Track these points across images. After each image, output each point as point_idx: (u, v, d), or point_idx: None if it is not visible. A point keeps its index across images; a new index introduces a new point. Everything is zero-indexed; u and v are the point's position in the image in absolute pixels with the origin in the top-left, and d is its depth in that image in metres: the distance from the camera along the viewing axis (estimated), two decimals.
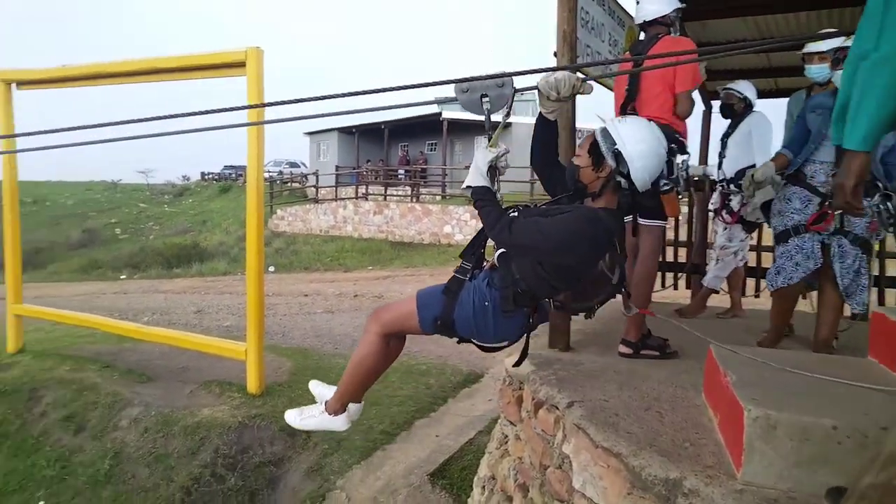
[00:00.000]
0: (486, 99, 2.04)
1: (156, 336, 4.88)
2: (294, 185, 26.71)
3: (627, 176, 1.94)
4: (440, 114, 20.60)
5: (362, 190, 19.06)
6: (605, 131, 1.98)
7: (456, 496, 3.34)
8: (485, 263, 2.10)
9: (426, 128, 23.02)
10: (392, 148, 26.44)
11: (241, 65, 4.12)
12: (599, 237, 1.90)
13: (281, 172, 30.86)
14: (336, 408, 2.37)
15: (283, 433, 3.96)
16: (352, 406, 2.41)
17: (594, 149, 2.00)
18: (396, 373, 4.97)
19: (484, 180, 2.03)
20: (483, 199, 2.00)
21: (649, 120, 2.13)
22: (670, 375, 2.32)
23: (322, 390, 2.44)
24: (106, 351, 5.51)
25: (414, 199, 17.42)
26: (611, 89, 2.99)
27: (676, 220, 3.09)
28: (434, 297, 2.10)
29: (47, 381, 4.65)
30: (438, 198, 17.57)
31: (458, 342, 2.15)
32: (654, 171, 1.99)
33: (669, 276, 4.74)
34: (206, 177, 37.04)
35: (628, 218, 2.59)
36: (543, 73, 2.00)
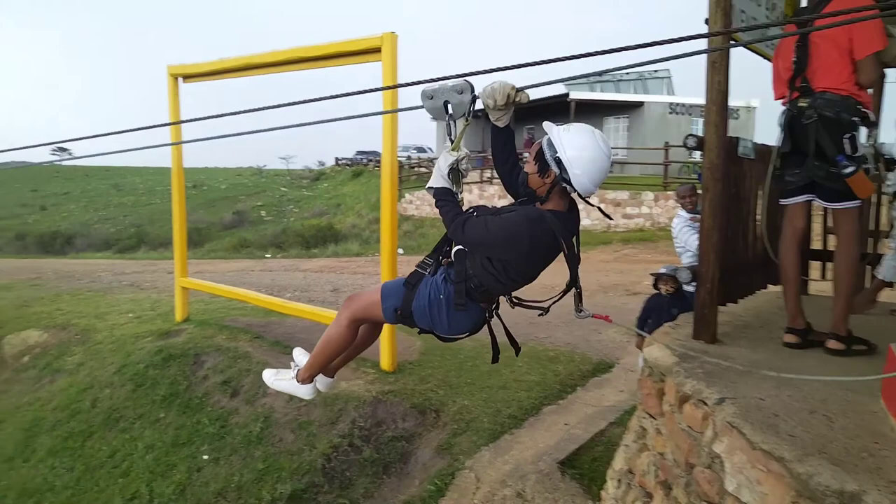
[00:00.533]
0: (450, 104, 2.12)
1: (298, 311, 5.23)
2: (421, 169, 27.38)
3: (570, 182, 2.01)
4: (567, 94, 20.07)
5: (487, 174, 19.09)
6: (549, 140, 2.05)
7: (586, 487, 3.27)
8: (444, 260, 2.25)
9: (552, 109, 22.49)
10: (518, 131, 26.23)
11: (377, 50, 4.25)
12: (540, 237, 2.00)
13: (409, 157, 31.76)
14: (304, 377, 2.54)
15: (415, 410, 4.10)
16: (323, 378, 2.60)
17: (539, 156, 2.08)
18: (524, 357, 4.95)
19: (445, 182, 2.20)
20: (443, 199, 2.16)
21: (823, 92, 1.95)
22: (837, 376, 2.09)
23: (302, 359, 2.59)
24: (256, 323, 6.01)
25: None
26: (769, 59, 2.71)
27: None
28: (396, 289, 2.25)
29: (208, 348, 5.16)
30: None
31: (419, 333, 2.28)
32: (597, 177, 2.03)
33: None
34: (340, 162, 39.03)
35: (799, 198, 2.47)
36: (494, 81, 2.07)
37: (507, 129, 2.25)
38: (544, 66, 1.96)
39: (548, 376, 4.67)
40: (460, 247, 2.16)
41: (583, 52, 1.72)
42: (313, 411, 4.21)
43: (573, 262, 2.06)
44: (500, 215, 2.09)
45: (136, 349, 5.48)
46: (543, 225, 2.02)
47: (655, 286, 3.91)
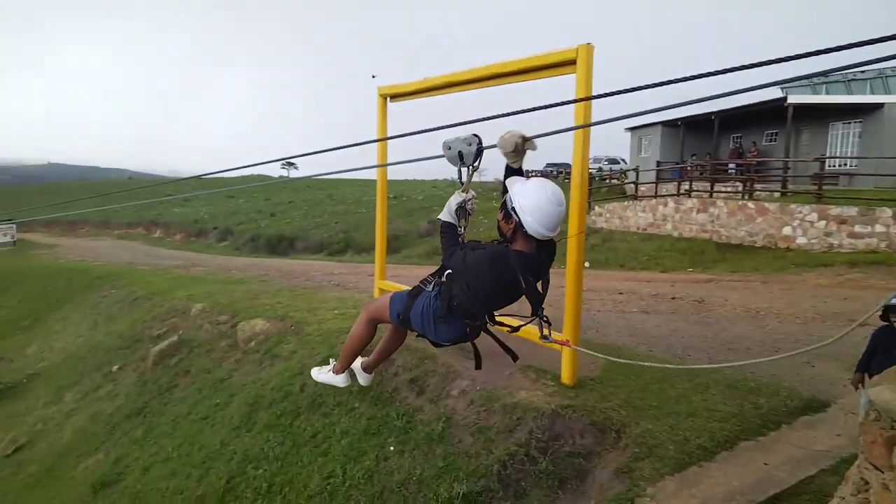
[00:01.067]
0: (463, 153, 2.60)
1: None
2: (613, 181, 26.54)
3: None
4: (785, 99, 18.03)
5: (685, 186, 17.88)
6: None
7: None
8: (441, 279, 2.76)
9: (766, 116, 20.42)
10: (722, 140, 24.20)
11: (572, 62, 4.22)
12: (502, 271, 2.45)
13: (600, 169, 31.00)
14: (338, 369, 3.46)
15: (594, 428, 3.97)
16: (364, 375, 3.63)
17: (504, 206, 2.57)
18: (718, 385, 4.54)
19: (451, 217, 2.75)
20: (446, 231, 2.74)
21: None
22: None
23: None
24: None
25: (746, 197, 15.64)
26: None
27: None
28: (401, 299, 2.89)
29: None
30: (776, 195, 15.43)
31: (417, 336, 2.90)
32: (546, 222, 2.43)
33: None
34: (530, 174, 39.39)
35: None
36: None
37: (519, 170, 2.69)
38: (753, 69, 1.80)
39: (746, 409, 4.22)
40: (449, 270, 2.65)
41: (803, 51, 1.55)
42: (492, 417, 4.28)
43: (532, 296, 2.49)
44: (476, 251, 2.56)
45: (339, 342, 6.05)
46: (506, 263, 2.46)
47: (886, 318, 3.36)
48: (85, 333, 12.96)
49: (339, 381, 3.57)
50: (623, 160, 32.46)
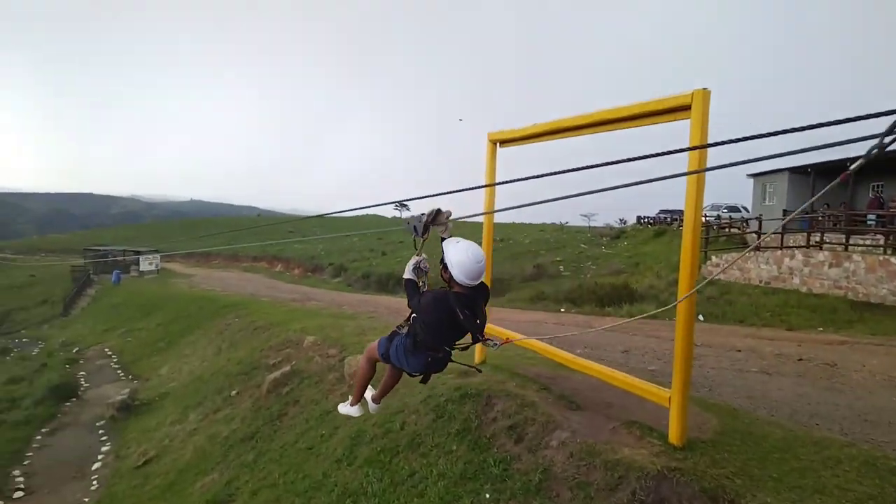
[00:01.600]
0: (416, 226, 3.78)
1: (587, 368, 5.20)
2: (732, 230, 25.08)
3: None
4: None
5: (816, 238, 16.51)
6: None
7: None
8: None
9: None
10: (859, 189, 22.24)
11: (686, 108, 4.09)
12: (443, 308, 3.36)
13: (719, 217, 29.44)
14: (353, 402, 4.65)
15: (705, 496, 3.68)
16: (373, 405, 4.71)
17: (442, 260, 3.51)
18: (852, 461, 4.07)
19: (411, 275, 3.82)
20: (408, 285, 3.78)
21: None
22: None
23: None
24: (544, 374, 6.16)
25: (888, 251, 14.16)
26: None
27: None
28: (383, 342, 3.94)
29: (499, 392, 5.46)
30: None
31: (391, 367, 4.06)
32: (469, 276, 3.38)
33: None
34: (642, 221, 38.18)
35: None
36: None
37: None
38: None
39: (888, 491, 3.74)
40: (414, 315, 3.66)
41: None
42: (593, 473, 4.10)
43: (471, 326, 3.42)
44: (424, 295, 3.57)
45: (440, 383, 6.09)
46: (446, 302, 3.38)
47: None
48: (210, 358, 13.98)
49: (355, 411, 4.74)
50: (745, 208, 30.64)
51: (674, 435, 4.25)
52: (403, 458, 5.24)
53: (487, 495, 4.34)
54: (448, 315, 3.38)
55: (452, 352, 3.78)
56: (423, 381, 4.01)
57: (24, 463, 10.32)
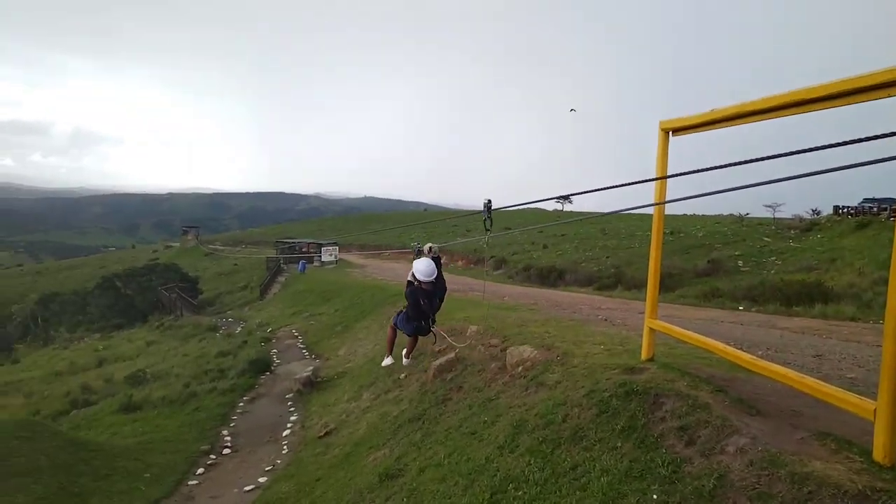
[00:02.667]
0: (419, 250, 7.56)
1: (771, 371, 4.76)
2: None
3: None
4: None
5: None
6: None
7: None
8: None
9: None
10: None
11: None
12: (412, 295, 7.23)
13: None
14: (386, 355, 8.55)
15: None
16: (405, 359, 9.00)
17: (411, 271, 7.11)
18: None
19: (411, 276, 7.21)
20: (408, 284, 7.40)
21: None
22: None
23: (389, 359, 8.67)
24: (719, 375, 5.75)
25: None
26: None
27: None
28: (395, 314, 7.87)
29: (668, 391, 5.20)
30: None
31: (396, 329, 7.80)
32: (422, 274, 6.92)
33: None
34: (841, 211, 33.81)
35: None
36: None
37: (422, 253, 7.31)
38: None
39: None
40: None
41: None
42: (776, 484, 3.75)
43: (427, 310, 7.13)
44: (407, 289, 7.36)
45: (604, 378, 5.96)
46: (414, 294, 7.16)
47: None
48: (381, 342, 14.98)
49: (388, 361, 8.48)
50: None
51: (879, 452, 3.75)
52: (566, 451, 5.22)
53: (655, 496, 4.17)
54: (415, 301, 7.05)
55: (434, 324, 7.37)
56: (423, 334, 7.55)
57: (231, 425, 11.93)
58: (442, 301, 7.42)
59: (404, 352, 8.56)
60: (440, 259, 7.32)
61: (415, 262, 6.90)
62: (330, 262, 40.64)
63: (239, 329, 25.16)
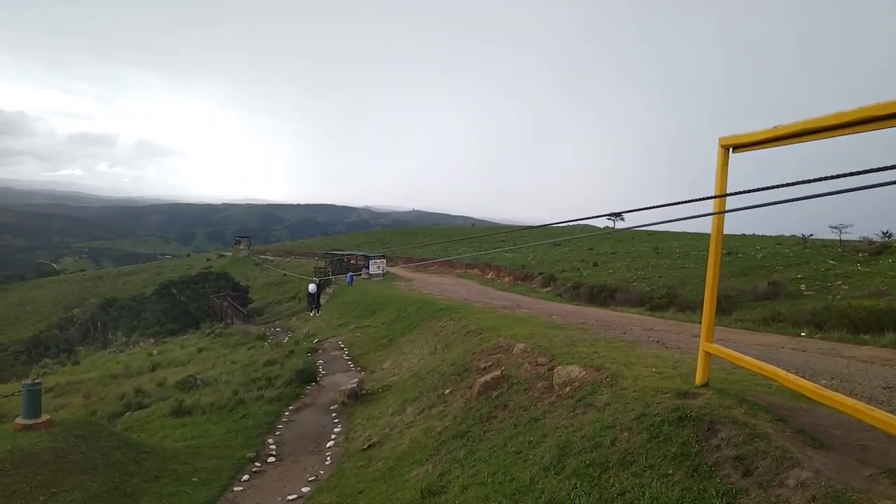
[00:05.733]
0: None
1: (836, 402, 4.53)
2: None
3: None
4: None
5: None
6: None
7: None
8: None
9: None
10: None
11: None
12: (306, 296, 31.91)
13: None
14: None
15: None
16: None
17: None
18: None
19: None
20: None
21: None
22: None
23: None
24: (779, 404, 5.53)
25: None
26: None
27: None
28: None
29: (724, 418, 5.03)
30: None
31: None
32: (310, 290, 30.48)
33: None
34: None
35: None
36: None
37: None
38: None
39: None
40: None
41: None
42: None
43: (315, 300, 30.27)
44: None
45: (655, 402, 5.82)
46: (307, 295, 30.50)
47: None
48: (426, 357, 15.04)
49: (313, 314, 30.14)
50: None
51: None
52: (614, 475, 5.10)
53: None
54: (308, 298, 29.85)
55: (319, 309, 28.86)
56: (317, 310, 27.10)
57: (276, 434, 12.14)
58: (318, 299, 27.19)
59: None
60: (321, 284, 23.94)
61: (309, 284, 25.41)
62: (377, 275, 41.12)
63: (286, 339, 25.67)
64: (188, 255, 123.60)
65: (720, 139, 5.65)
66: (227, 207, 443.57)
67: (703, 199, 4.68)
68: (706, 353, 6.03)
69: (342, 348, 20.98)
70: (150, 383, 18.30)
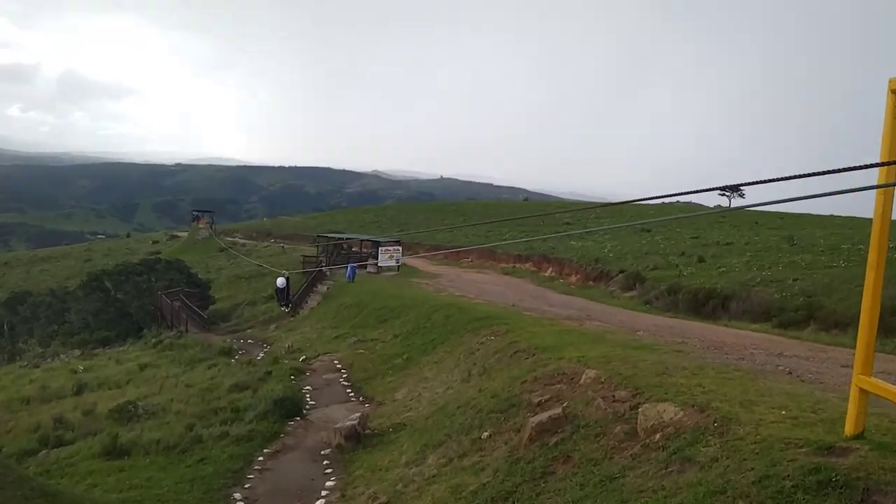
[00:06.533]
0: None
1: None
2: None
3: None
4: None
5: None
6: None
7: None
8: None
9: None
10: None
11: None
12: (275, 292, 39.70)
13: None
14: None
15: None
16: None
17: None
18: None
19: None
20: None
21: None
22: None
23: None
24: None
25: None
26: None
27: None
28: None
29: (886, 484, 4.93)
30: None
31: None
32: (279, 284, 37.52)
33: None
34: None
35: None
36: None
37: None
38: None
39: None
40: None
41: None
42: None
43: (285, 297, 37.52)
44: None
45: (785, 459, 5.73)
46: (276, 290, 38.69)
47: None
48: (456, 385, 15.10)
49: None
50: None
51: None
52: None
53: None
54: (277, 294, 37.69)
55: (291, 306, 36.71)
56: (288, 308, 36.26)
57: (246, 486, 12.36)
58: (289, 293, 35.95)
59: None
60: (289, 278, 34.44)
61: (277, 279, 35.12)
62: (390, 268, 41.37)
63: (261, 355, 26.07)
64: (128, 236, 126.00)
65: (890, 81, 5.52)
66: (182, 170, 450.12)
67: (863, 167, 4.54)
68: (862, 390, 5.91)
69: (339, 370, 21.22)
70: (74, 411, 18.71)
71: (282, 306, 37.52)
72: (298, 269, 40.75)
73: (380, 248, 41.63)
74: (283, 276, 37.09)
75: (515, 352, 14.69)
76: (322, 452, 13.91)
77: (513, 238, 32.78)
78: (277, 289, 37.47)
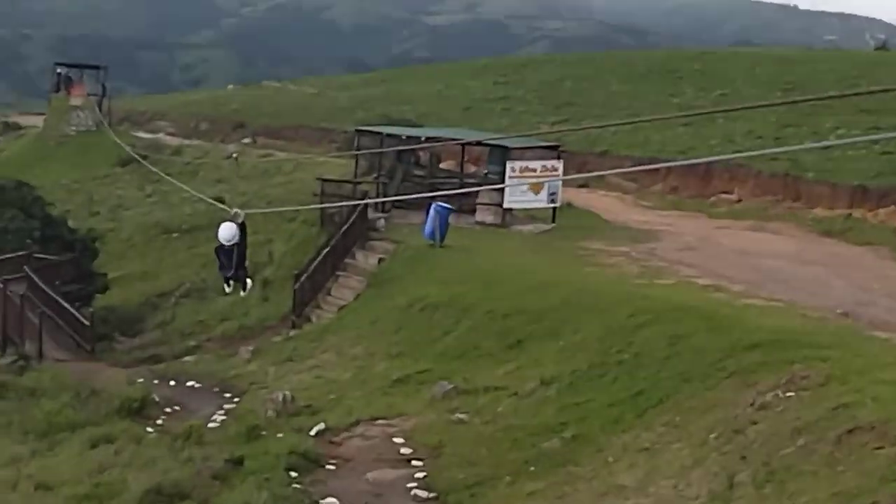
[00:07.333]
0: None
1: None
2: None
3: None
4: None
5: None
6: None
7: None
8: None
9: None
10: None
11: None
12: (216, 253, 20.42)
13: None
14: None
15: None
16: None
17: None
18: None
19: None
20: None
21: None
22: None
23: None
24: None
25: None
26: None
27: None
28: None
29: None
30: None
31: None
32: (222, 238, 17.59)
33: None
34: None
35: None
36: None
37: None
38: None
39: None
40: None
41: None
42: None
43: (229, 261, 18.63)
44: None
45: None
46: (216, 251, 20.21)
47: None
48: None
49: (227, 289, 22.07)
50: None
51: None
52: None
53: None
54: (217, 258, 18.93)
55: (248, 277, 19.99)
56: (237, 281, 18.91)
57: None
58: (243, 258, 18.19)
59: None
60: (245, 225, 17.06)
61: (221, 225, 16.78)
62: (531, 216, 32.38)
63: (219, 416, 20.09)
64: None
65: None
66: None
67: None
68: None
69: (407, 460, 15.40)
70: None
71: (226, 280, 21.78)
72: (234, 210, 31.51)
73: (507, 165, 31.54)
74: (232, 220, 20.71)
75: (850, 430, 10.34)
76: None
77: (851, 140, 25.64)
78: (220, 245, 20.59)
